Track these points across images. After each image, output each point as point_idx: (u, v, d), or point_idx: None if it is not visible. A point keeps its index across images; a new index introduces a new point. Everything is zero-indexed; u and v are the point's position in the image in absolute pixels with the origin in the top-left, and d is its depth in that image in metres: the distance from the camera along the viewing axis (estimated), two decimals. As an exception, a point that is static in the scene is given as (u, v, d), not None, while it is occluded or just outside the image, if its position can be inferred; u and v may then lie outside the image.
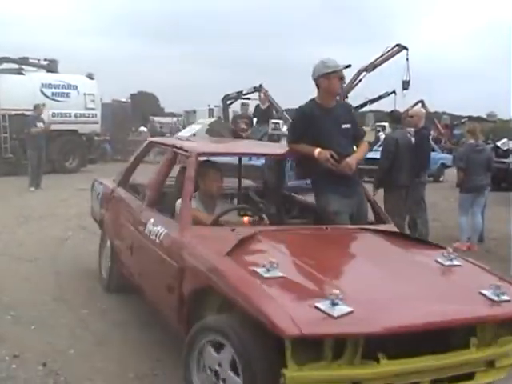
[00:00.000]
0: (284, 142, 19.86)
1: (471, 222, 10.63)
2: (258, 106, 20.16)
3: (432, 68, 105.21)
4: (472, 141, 10.73)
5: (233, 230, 4.91)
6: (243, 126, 17.66)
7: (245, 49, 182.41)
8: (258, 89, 31.40)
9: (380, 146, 20.51)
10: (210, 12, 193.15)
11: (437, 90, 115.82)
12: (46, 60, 23.24)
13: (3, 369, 4.96)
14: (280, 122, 35.93)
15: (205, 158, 6.04)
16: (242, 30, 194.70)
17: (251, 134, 17.71)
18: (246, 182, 7.94)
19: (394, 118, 10.08)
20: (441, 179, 23.58)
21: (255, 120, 19.40)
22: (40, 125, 17.48)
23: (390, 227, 5.63)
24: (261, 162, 15.28)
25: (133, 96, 31.35)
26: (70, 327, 5.95)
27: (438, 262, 4.60)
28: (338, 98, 6.20)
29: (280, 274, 3.93)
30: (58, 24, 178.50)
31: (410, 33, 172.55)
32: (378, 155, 21.72)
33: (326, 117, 5.76)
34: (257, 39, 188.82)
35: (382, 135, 24.01)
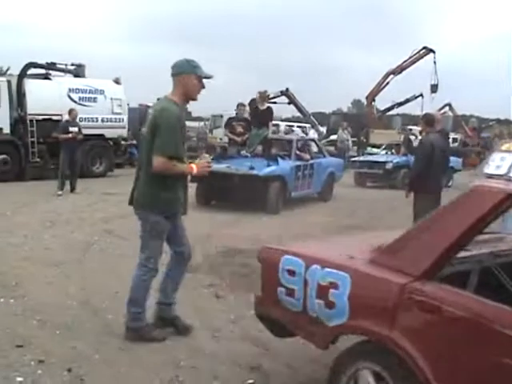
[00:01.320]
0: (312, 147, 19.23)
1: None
2: (254, 106, 17.32)
3: (459, 70, 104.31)
4: (501, 144, 10.60)
5: None
6: (240, 129, 16.28)
7: (270, 52, 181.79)
8: (285, 93, 31.41)
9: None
10: (235, 16, 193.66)
11: (465, 92, 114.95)
12: (73, 65, 23.38)
13: (29, 374, 4.94)
14: (307, 125, 36.09)
15: None
16: (267, 34, 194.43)
17: (250, 138, 16.26)
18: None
19: (428, 121, 9.96)
20: (449, 184, 21.32)
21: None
22: (74, 129, 17.39)
23: None
24: (262, 171, 14.20)
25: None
26: (95, 332, 5.92)
27: None
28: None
29: None
30: (86, 30, 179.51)
31: (437, 34, 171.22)
32: (383, 158, 21.88)
33: None
34: (283, 43, 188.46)
35: (414, 139, 23.72)
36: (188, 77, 5.51)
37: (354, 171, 23.92)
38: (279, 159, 15.29)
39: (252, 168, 14.21)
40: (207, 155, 5.84)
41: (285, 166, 15.28)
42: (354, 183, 23.39)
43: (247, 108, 17.38)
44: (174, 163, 5.36)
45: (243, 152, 15.88)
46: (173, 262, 6.01)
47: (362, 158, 25.33)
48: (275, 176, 14.66)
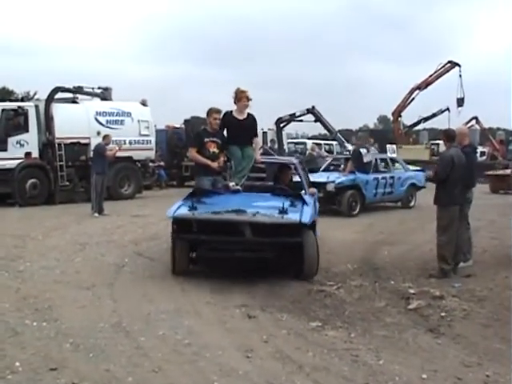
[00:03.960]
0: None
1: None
2: (227, 113, 10.46)
3: (486, 82, 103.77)
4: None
5: None
6: (214, 149, 10.36)
7: (295, 69, 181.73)
8: (311, 111, 31.36)
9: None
10: (257, 34, 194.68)
11: (491, 104, 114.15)
12: (99, 88, 23.67)
13: (62, 397, 4.95)
14: (334, 143, 35.95)
15: None
16: (291, 51, 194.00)
17: (234, 163, 10.47)
18: None
19: (449, 136, 9.93)
20: (411, 204, 20.90)
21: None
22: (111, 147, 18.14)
23: None
24: (304, 217, 8.76)
25: (186, 121, 31.44)
26: (127, 355, 5.91)
27: None
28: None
29: None
30: (109, 51, 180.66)
31: (463, 47, 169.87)
32: (323, 178, 18.89)
33: None
34: (307, 59, 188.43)
35: (365, 152, 21.52)
36: None
37: None
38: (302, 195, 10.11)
39: (283, 211, 8.80)
40: None
41: (310, 204, 9.80)
42: None
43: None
44: None
45: (232, 184, 10.19)
46: None
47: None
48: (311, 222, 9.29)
